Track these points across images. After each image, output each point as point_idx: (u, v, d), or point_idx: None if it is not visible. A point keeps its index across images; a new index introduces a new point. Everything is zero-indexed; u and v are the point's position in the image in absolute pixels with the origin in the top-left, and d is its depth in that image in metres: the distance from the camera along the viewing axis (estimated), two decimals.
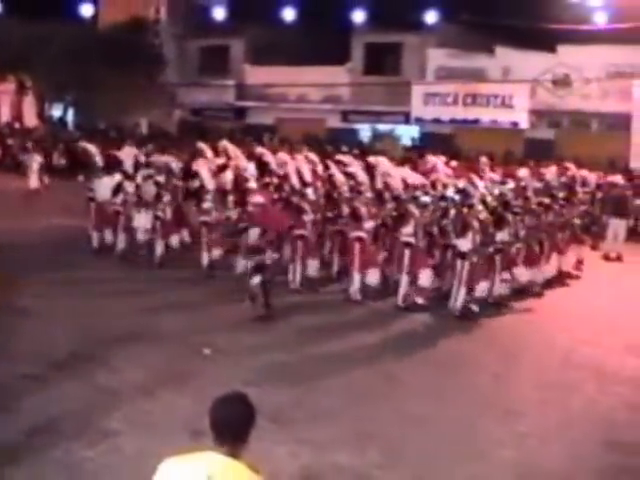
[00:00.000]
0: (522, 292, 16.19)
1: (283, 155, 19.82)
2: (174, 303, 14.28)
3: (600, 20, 31.17)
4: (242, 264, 15.36)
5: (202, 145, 21.35)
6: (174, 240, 17.68)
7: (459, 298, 14.42)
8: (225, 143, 21.72)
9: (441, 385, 11.12)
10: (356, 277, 15.20)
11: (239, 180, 17.48)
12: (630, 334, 14.18)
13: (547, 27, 29.86)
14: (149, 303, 14.23)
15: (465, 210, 14.99)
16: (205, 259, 16.68)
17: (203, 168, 17.71)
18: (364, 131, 38.47)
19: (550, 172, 19.73)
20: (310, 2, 35.60)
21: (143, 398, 9.73)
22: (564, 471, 8.54)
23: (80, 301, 13.90)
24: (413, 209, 15.09)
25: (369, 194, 16.23)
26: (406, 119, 35.98)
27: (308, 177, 17.17)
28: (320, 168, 19.05)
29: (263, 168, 19.01)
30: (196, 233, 17.83)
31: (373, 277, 15.34)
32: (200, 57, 42.59)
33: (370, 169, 18.12)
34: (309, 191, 16.49)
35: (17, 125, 42.21)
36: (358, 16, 36.27)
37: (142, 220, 17.40)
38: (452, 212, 15.43)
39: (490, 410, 10.21)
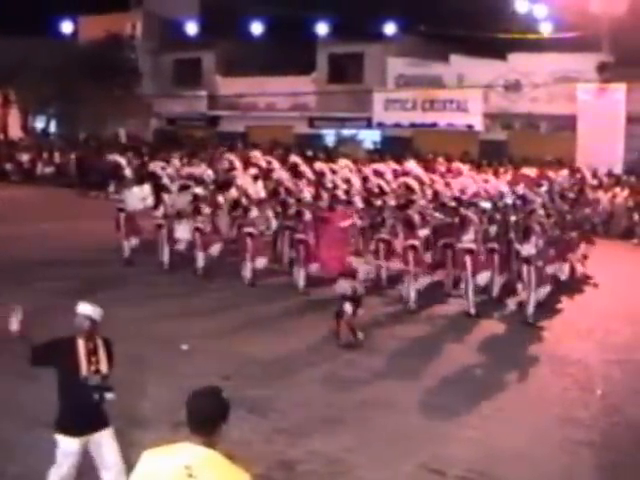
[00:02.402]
0: None
1: (320, 164, 19.33)
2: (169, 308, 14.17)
3: (546, 30, 31.47)
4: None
5: (231, 156, 20.84)
6: (214, 249, 16.83)
7: (531, 304, 13.80)
8: (256, 153, 21.27)
9: (407, 372, 11.17)
10: (412, 284, 14.57)
11: (279, 190, 17.06)
12: (581, 321, 14.31)
13: (498, 37, 30.19)
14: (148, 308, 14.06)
15: (526, 215, 14.44)
16: (248, 270, 16.04)
17: (247, 179, 17.19)
18: (329, 136, 38.39)
19: (561, 174, 19.55)
20: (277, 16, 35.51)
21: (127, 392, 9.65)
22: (524, 448, 8.60)
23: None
24: (473, 215, 14.59)
25: (422, 202, 15.52)
26: (368, 124, 36.00)
27: (357, 186, 16.66)
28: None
29: (298, 177, 18.31)
30: (227, 243, 17.46)
31: (423, 283, 14.83)
32: (174, 70, 42.31)
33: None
34: (356, 199, 15.83)
35: (1, 137, 41.94)
36: (322, 28, 36.26)
37: (182, 231, 16.89)
38: (512, 218, 14.92)
39: (454, 394, 10.26)
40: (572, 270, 17.30)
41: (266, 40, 37.55)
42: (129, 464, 4.12)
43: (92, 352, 6.35)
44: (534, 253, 13.73)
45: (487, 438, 8.86)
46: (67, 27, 42.25)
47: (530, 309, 13.84)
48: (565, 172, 20.84)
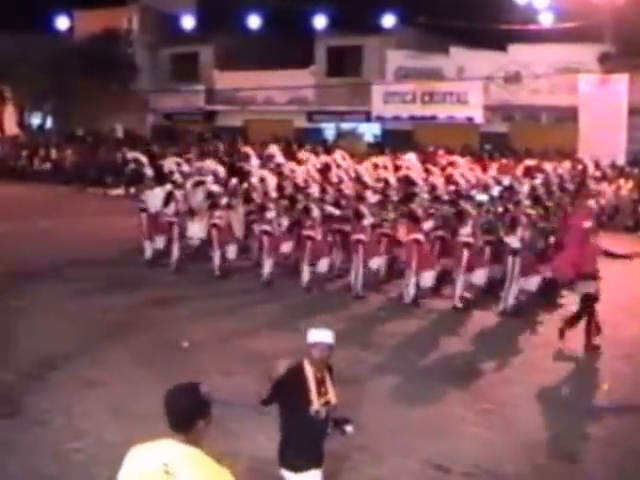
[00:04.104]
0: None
1: (325, 158, 19.16)
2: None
3: (546, 20, 31.39)
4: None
5: (249, 150, 20.64)
6: (231, 251, 16.55)
7: (510, 296, 13.84)
8: (273, 148, 21.14)
9: (410, 367, 11.14)
10: (412, 279, 14.45)
11: (285, 185, 16.92)
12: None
13: (498, 28, 30.14)
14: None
15: (512, 207, 14.48)
16: (267, 268, 15.87)
17: (268, 175, 17.03)
18: (328, 130, 38.37)
19: (562, 166, 19.40)
20: (274, 9, 35.47)
21: (127, 390, 9.63)
22: (526, 443, 8.56)
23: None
24: (470, 208, 14.52)
25: (425, 195, 15.50)
26: (368, 117, 35.98)
27: (368, 180, 16.50)
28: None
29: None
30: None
31: (428, 279, 14.62)
32: (171, 64, 42.31)
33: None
34: (368, 194, 15.66)
35: None
36: (320, 21, 36.13)
37: (195, 229, 16.68)
38: (499, 209, 14.85)
39: (457, 389, 10.23)
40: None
41: (264, 33, 37.48)
42: None
43: (321, 382, 5.75)
44: (520, 245, 13.76)
45: (491, 434, 8.85)
46: (63, 22, 42.13)
47: (510, 300, 13.86)
48: (567, 164, 20.72)
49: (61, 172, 35.20)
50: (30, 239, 19.01)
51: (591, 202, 19.20)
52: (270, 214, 15.91)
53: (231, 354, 11.33)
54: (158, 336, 11.99)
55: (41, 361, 10.63)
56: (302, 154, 20.64)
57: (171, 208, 17.00)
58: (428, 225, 14.73)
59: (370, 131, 37.39)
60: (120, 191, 26.68)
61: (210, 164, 19.07)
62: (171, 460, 3.86)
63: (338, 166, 18.39)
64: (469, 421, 9.20)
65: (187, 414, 4.00)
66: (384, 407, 9.59)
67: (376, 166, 18.33)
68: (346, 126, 37.98)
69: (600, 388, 10.51)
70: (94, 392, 9.56)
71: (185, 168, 18.72)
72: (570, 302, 15.12)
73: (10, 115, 43.16)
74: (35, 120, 44.63)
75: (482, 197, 14.91)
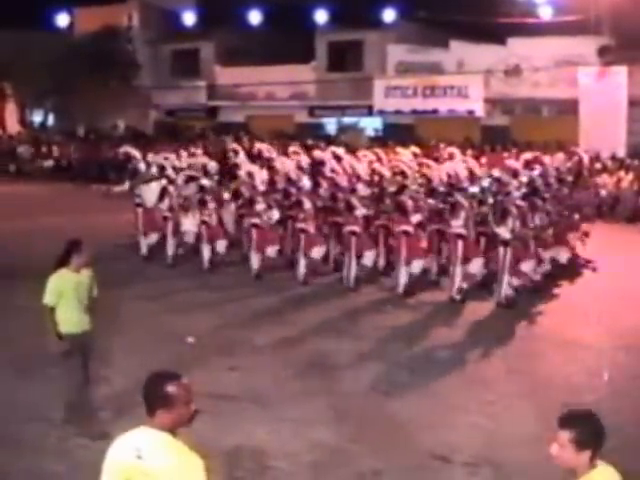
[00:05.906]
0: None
1: (318, 153, 19.22)
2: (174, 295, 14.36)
3: (545, 13, 31.47)
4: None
5: (236, 146, 20.73)
6: (221, 245, 16.62)
7: (504, 286, 13.90)
8: (261, 144, 21.16)
9: (409, 358, 11.19)
10: (403, 271, 14.59)
11: (276, 179, 16.90)
12: (589, 306, 14.29)
13: (497, 21, 30.23)
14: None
15: (502, 198, 14.55)
16: (255, 262, 15.97)
17: (255, 169, 17.07)
18: (330, 125, 38.46)
19: (557, 158, 19.47)
20: (275, 5, 35.52)
21: (131, 386, 9.68)
22: (528, 434, 8.59)
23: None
24: (463, 200, 14.52)
25: (414, 187, 15.52)
26: (369, 112, 36.10)
27: (363, 173, 16.61)
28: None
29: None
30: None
31: (417, 267, 14.66)
32: (172, 60, 42.32)
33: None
34: (360, 186, 15.73)
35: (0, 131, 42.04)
36: (321, 16, 36.23)
37: (188, 224, 16.75)
38: (489, 201, 14.84)
39: (457, 381, 10.29)
40: (573, 254, 17.34)
41: (265, 29, 37.57)
42: None
43: None
44: (510, 236, 13.85)
45: (491, 424, 8.84)
46: (63, 19, 42.28)
47: (502, 291, 13.92)
48: (561, 155, 20.74)
49: (63, 169, 35.27)
50: (34, 237, 19.08)
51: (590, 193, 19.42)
52: (259, 206, 16.00)
53: (233, 348, 11.38)
54: (160, 331, 12.06)
55: (42, 359, 10.63)
56: (293, 148, 20.61)
57: (165, 203, 17.16)
58: (416, 217, 14.78)
59: (372, 125, 37.46)
60: (123, 188, 26.74)
61: (201, 159, 19.15)
62: (142, 445, 4.00)
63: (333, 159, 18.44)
64: (470, 411, 9.22)
65: (148, 401, 4.13)
66: (383, 398, 9.65)
67: (371, 163, 18.40)
68: (347, 120, 38.05)
69: (601, 379, 10.55)
70: (97, 388, 9.58)
71: (176, 163, 18.81)
72: (567, 292, 15.36)
73: (11, 112, 43.27)
74: (36, 117, 44.71)
75: (474, 189, 15.00)
